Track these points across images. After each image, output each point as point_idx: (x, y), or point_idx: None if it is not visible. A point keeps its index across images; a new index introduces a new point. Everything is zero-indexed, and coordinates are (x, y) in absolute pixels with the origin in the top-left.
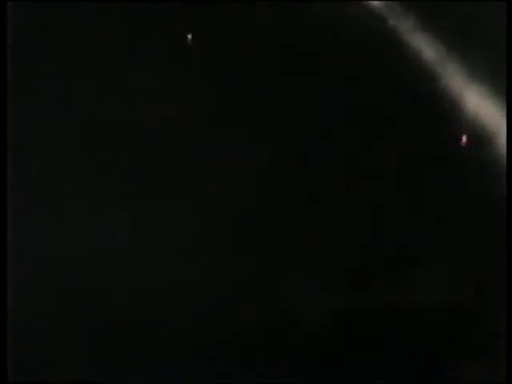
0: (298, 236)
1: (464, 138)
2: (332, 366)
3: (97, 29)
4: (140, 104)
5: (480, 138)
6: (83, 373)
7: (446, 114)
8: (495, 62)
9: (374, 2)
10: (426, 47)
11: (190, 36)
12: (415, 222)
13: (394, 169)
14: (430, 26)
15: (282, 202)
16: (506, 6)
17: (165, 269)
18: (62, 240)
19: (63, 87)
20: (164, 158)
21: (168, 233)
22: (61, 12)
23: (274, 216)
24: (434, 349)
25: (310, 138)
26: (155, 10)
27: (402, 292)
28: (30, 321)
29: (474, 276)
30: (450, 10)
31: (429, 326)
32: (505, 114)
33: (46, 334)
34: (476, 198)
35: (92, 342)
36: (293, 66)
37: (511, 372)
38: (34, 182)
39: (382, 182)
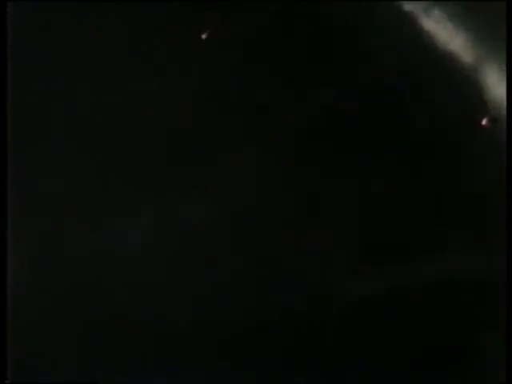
0: (300, 236)
1: (485, 121)
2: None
3: (97, 29)
4: (140, 104)
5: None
6: (83, 373)
7: (466, 96)
8: None
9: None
10: (443, 32)
11: (204, 36)
12: (439, 199)
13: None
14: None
15: (283, 202)
16: (506, 6)
17: (165, 269)
18: (62, 240)
19: (63, 87)
20: (164, 157)
21: (168, 233)
22: (61, 12)
23: (275, 216)
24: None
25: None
26: (155, 10)
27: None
28: (30, 321)
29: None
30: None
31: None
32: None
33: (46, 334)
34: (498, 175)
35: (92, 342)
36: (294, 66)
37: (511, 372)
38: (34, 182)
39: (401, 168)
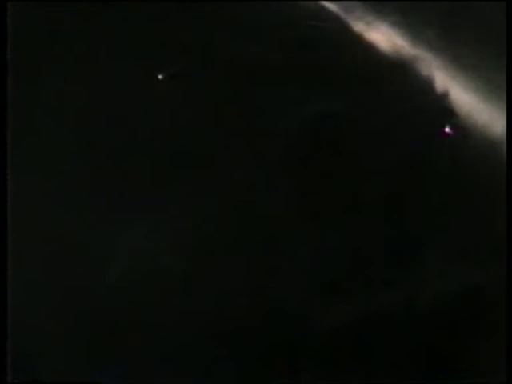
0: (300, 238)
1: (447, 129)
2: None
3: (97, 29)
4: (140, 104)
5: (466, 129)
6: (84, 373)
7: (430, 106)
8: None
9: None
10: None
11: (160, 76)
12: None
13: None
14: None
15: (283, 202)
16: (506, 5)
17: (164, 269)
18: (62, 240)
19: (63, 87)
20: (165, 157)
21: (168, 232)
22: (61, 12)
23: (275, 217)
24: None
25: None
26: (155, 10)
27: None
28: (30, 321)
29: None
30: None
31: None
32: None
33: (46, 334)
34: (473, 185)
35: (92, 342)
36: (293, 68)
37: (511, 372)
38: (33, 181)
39: (378, 182)
